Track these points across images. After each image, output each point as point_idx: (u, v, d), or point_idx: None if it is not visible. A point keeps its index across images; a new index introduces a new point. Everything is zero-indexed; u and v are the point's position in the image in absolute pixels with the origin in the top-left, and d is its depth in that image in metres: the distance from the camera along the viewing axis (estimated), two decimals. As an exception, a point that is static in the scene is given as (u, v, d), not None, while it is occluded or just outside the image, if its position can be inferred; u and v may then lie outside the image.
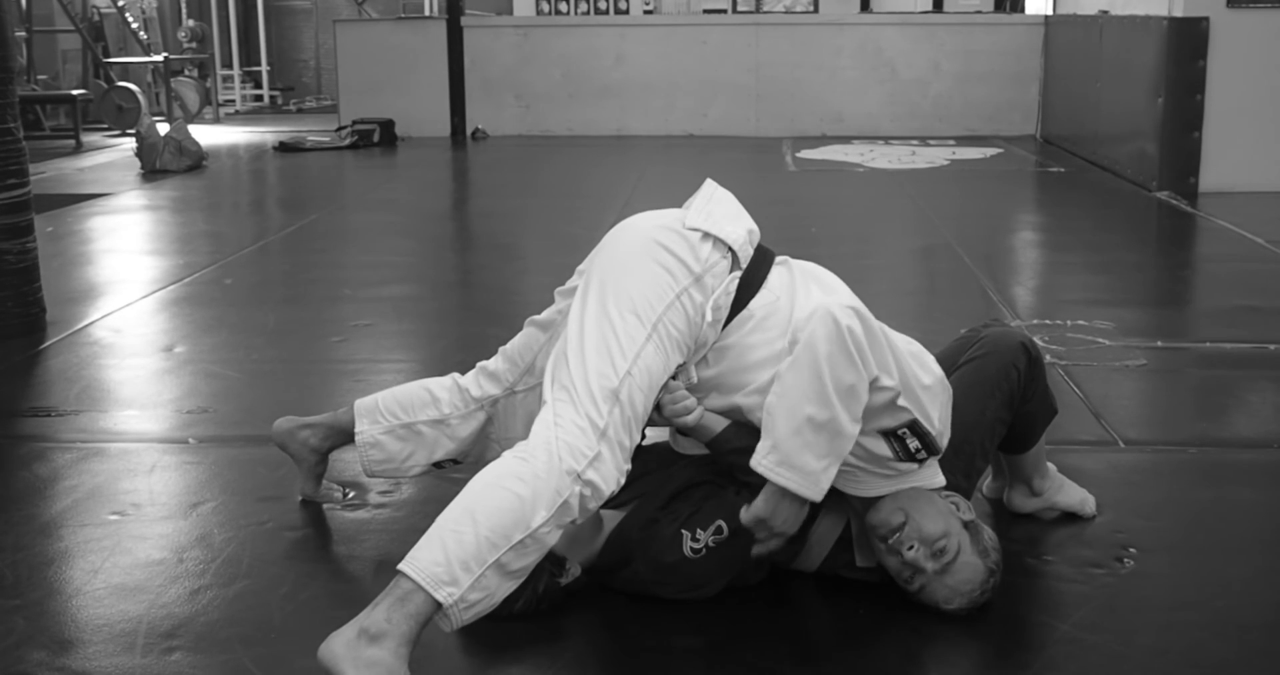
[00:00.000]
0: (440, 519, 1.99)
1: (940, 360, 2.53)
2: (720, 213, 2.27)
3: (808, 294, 2.24)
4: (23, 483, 2.96)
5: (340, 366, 3.95)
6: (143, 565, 2.49)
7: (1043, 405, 2.54)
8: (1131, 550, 2.52)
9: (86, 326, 4.41)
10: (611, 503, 2.30)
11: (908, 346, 2.21)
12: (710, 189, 2.35)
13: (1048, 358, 3.87)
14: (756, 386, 2.20)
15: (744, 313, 2.21)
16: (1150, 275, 5.50)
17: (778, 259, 2.31)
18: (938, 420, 2.16)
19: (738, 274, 2.22)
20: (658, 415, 2.25)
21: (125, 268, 5.59)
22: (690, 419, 2.24)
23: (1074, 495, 2.68)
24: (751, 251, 2.26)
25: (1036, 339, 4.05)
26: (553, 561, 2.24)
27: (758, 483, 2.18)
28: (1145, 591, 2.38)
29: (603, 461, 2.04)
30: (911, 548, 2.19)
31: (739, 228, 2.26)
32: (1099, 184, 7.87)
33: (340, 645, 1.89)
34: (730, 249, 2.22)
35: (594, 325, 2.13)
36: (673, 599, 2.27)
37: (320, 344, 4.21)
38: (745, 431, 2.25)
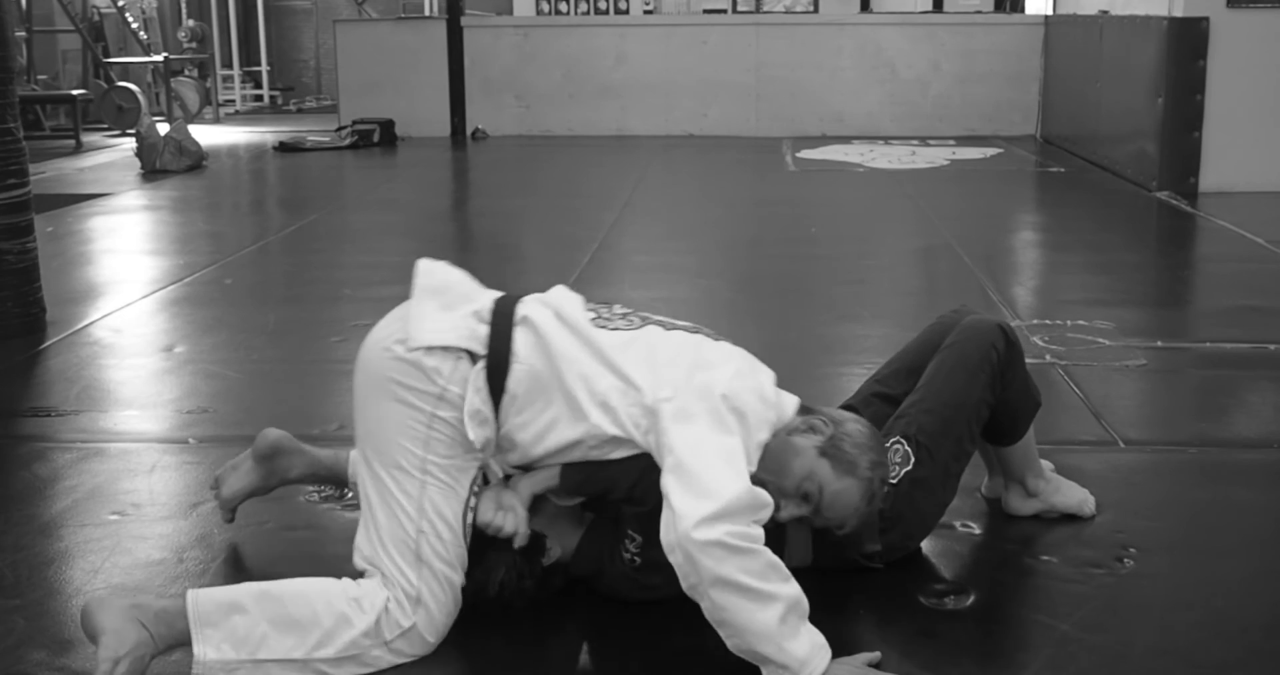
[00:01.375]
0: (262, 583, 2.10)
1: (919, 347, 2.60)
2: (435, 307, 2.18)
3: (561, 342, 2.15)
4: (23, 483, 2.96)
5: (340, 366, 3.94)
6: (143, 565, 2.49)
7: (1024, 393, 2.54)
8: (1131, 550, 2.52)
9: (86, 326, 4.41)
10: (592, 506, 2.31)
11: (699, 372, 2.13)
12: (423, 279, 2.23)
13: (1047, 357, 3.87)
14: (567, 458, 2.17)
15: (506, 396, 2.13)
16: (1150, 275, 5.50)
17: (517, 317, 2.18)
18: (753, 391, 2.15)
19: (481, 366, 2.12)
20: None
21: (125, 268, 5.59)
22: (522, 535, 2.18)
23: (1072, 496, 2.68)
24: (486, 330, 2.15)
25: (1036, 339, 4.06)
26: (534, 539, 2.24)
27: (643, 511, 2.16)
28: (1145, 591, 2.38)
29: (412, 635, 2.08)
30: (779, 507, 2.16)
31: (459, 317, 2.16)
32: (1099, 184, 7.87)
33: (110, 607, 2.02)
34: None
35: (374, 491, 2.13)
36: (662, 599, 2.27)
37: (320, 344, 4.20)
38: (582, 468, 2.20)
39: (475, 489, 2.17)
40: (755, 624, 1.94)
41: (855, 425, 2.24)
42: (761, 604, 1.94)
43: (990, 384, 2.45)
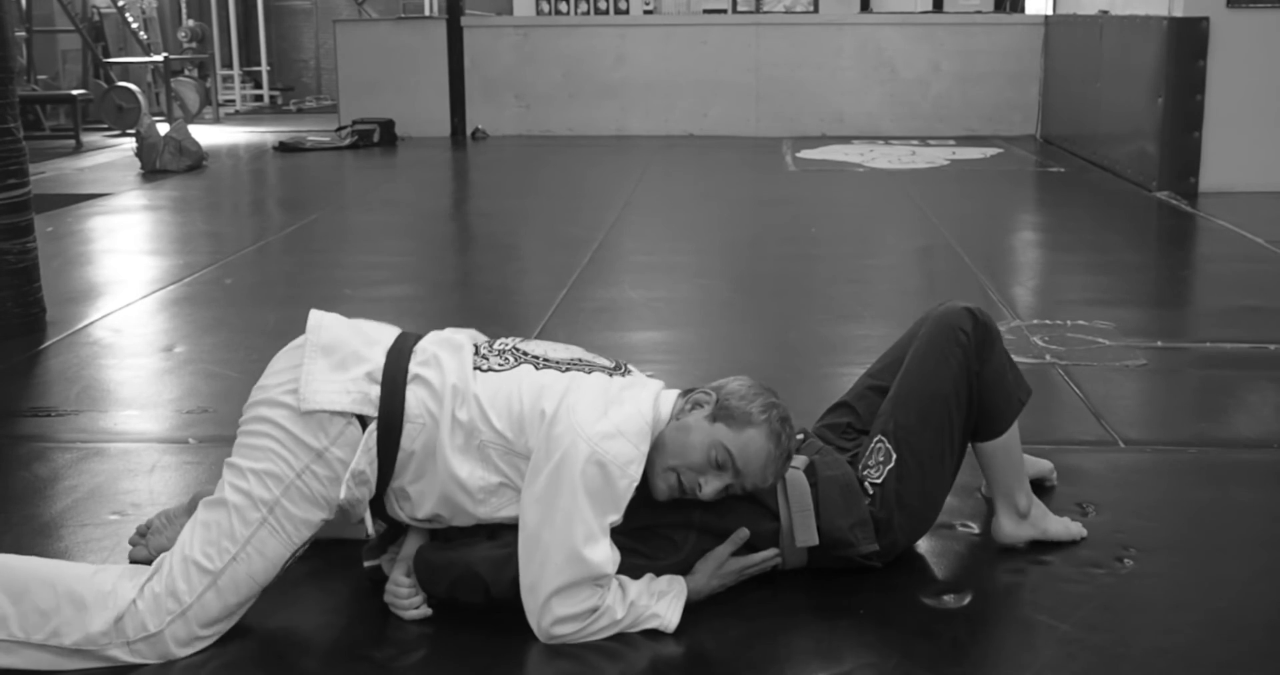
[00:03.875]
0: (15, 561, 2.14)
1: (908, 340, 2.56)
2: (326, 366, 2.19)
3: (451, 401, 2.18)
4: (23, 483, 2.95)
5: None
6: (143, 566, 2.48)
7: (1001, 380, 2.44)
8: (1131, 550, 2.52)
9: (86, 326, 4.41)
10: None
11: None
12: (313, 335, 2.25)
13: (1047, 357, 3.87)
14: (479, 512, 2.20)
15: (401, 454, 2.17)
16: (1150, 275, 5.50)
17: (410, 376, 2.19)
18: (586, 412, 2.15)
19: (372, 429, 2.16)
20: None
21: (125, 268, 5.59)
22: (419, 610, 2.24)
23: (1059, 522, 2.58)
24: (378, 392, 2.17)
25: (1036, 339, 4.06)
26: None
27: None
28: (1145, 591, 2.38)
29: (157, 641, 2.09)
30: (699, 487, 2.19)
31: (351, 379, 2.18)
32: (1099, 184, 7.87)
33: None
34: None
35: (216, 503, 2.16)
36: None
37: (320, 344, 4.20)
38: (442, 552, 2.25)
39: (310, 541, 2.20)
40: (615, 631, 2.17)
41: (736, 382, 2.27)
42: (610, 628, 2.16)
43: (964, 367, 2.39)
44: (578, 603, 2.12)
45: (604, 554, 2.11)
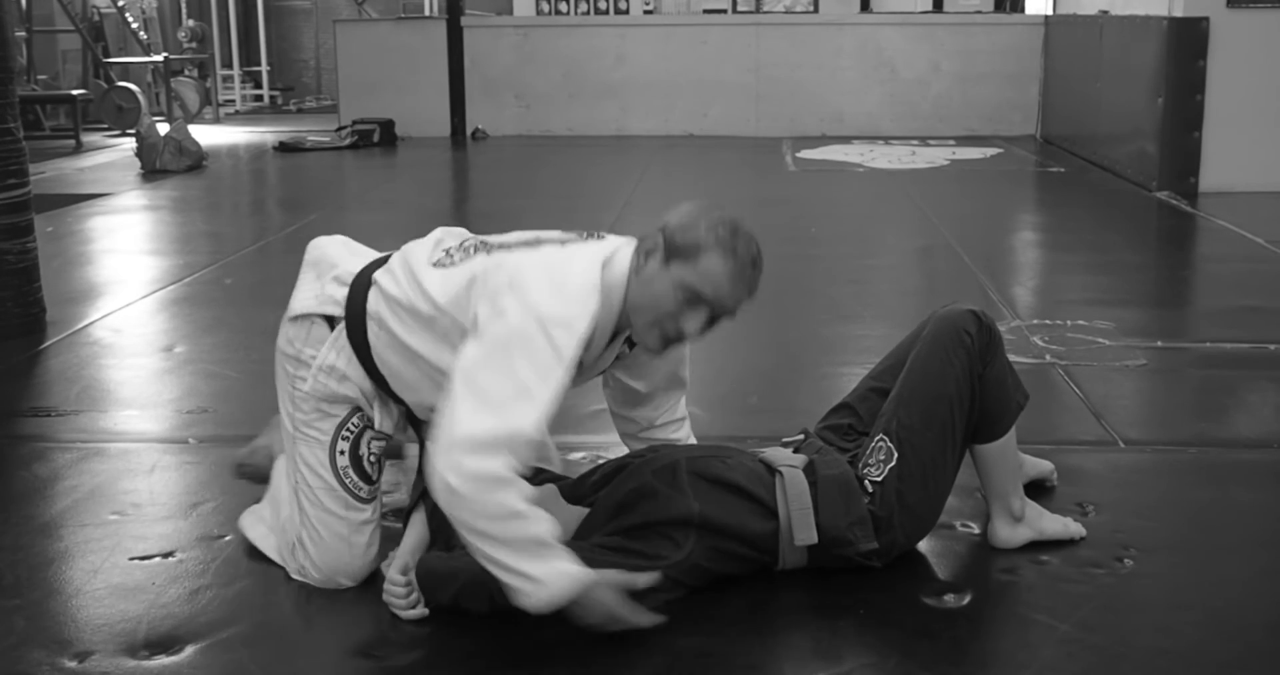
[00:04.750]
0: (281, 485, 2.48)
1: (911, 342, 2.55)
2: (309, 278, 2.42)
3: (398, 297, 2.25)
4: (23, 483, 2.96)
5: (340, 366, 3.95)
6: (143, 565, 2.49)
7: (1002, 383, 2.44)
8: (1131, 550, 2.52)
9: (86, 326, 4.41)
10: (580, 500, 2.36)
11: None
12: (307, 254, 2.48)
13: (1047, 357, 3.87)
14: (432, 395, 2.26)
15: (373, 353, 2.30)
16: (1150, 275, 5.50)
17: (374, 278, 2.31)
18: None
19: (341, 330, 2.32)
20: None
21: (125, 268, 5.59)
22: (416, 610, 2.24)
23: (1056, 521, 2.58)
24: (344, 292, 2.32)
25: (1036, 339, 4.06)
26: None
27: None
28: (1145, 591, 2.38)
29: (307, 572, 2.38)
30: (685, 331, 2.18)
31: (321, 284, 2.37)
32: (1099, 184, 7.87)
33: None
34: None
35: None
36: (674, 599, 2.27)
37: (320, 344, 4.20)
38: (445, 563, 2.26)
39: (345, 433, 2.34)
40: (502, 540, 2.02)
41: (675, 216, 2.23)
42: (500, 523, 2.00)
43: (968, 369, 2.39)
44: (484, 461, 1.97)
45: (530, 418, 1.99)
